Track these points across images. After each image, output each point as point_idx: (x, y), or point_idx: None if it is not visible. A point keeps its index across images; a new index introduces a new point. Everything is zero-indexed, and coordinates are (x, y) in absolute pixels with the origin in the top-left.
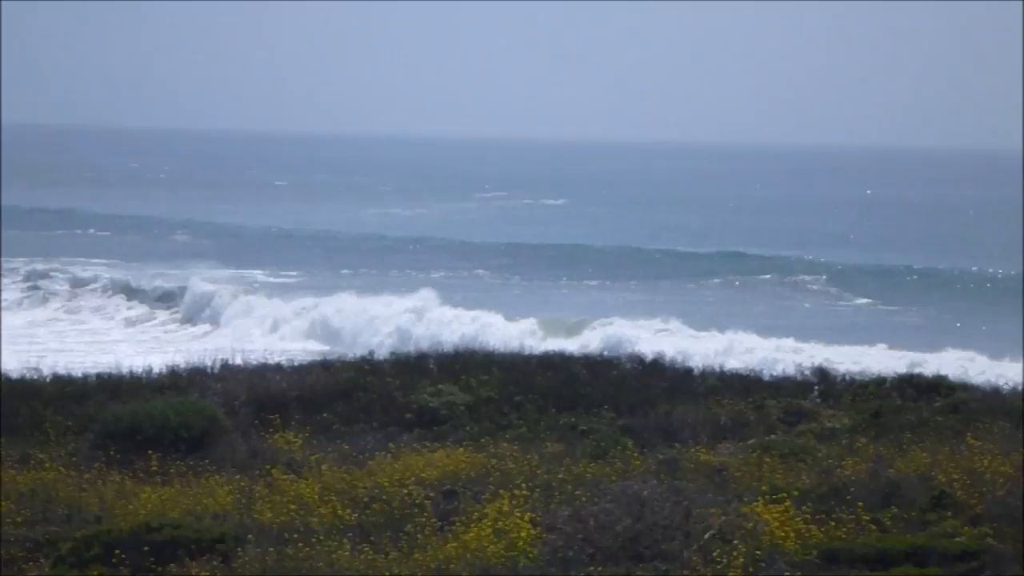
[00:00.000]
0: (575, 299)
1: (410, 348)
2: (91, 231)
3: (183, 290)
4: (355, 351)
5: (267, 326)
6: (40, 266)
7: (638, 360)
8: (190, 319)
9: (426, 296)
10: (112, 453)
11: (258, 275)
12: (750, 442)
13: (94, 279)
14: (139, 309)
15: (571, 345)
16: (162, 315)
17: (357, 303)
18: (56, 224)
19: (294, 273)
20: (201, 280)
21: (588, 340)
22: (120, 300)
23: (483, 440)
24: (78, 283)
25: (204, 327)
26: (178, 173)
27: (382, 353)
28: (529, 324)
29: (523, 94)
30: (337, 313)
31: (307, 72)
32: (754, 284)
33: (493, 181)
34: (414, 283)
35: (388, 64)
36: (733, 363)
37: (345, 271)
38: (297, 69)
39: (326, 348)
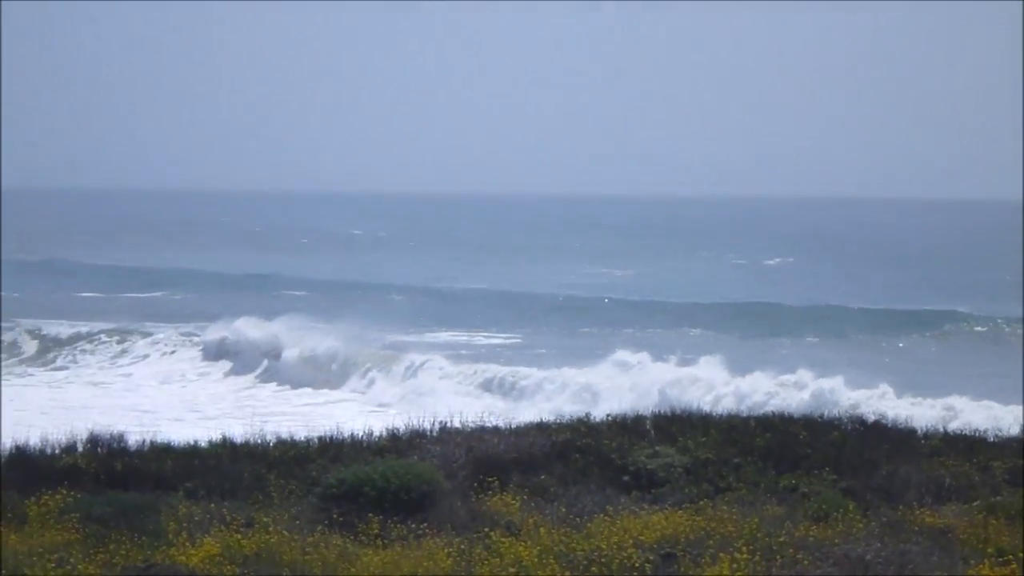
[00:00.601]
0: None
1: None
2: (301, 293)
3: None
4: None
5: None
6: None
7: (859, 420)
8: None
9: (618, 362)
10: (334, 516)
11: (480, 337)
12: (975, 503)
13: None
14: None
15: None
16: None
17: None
18: (262, 287)
19: (514, 335)
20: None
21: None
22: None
23: (702, 502)
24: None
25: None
26: (397, 236)
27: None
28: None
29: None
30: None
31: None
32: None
33: (703, 239)
34: (633, 343)
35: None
36: (956, 424)
37: (559, 331)
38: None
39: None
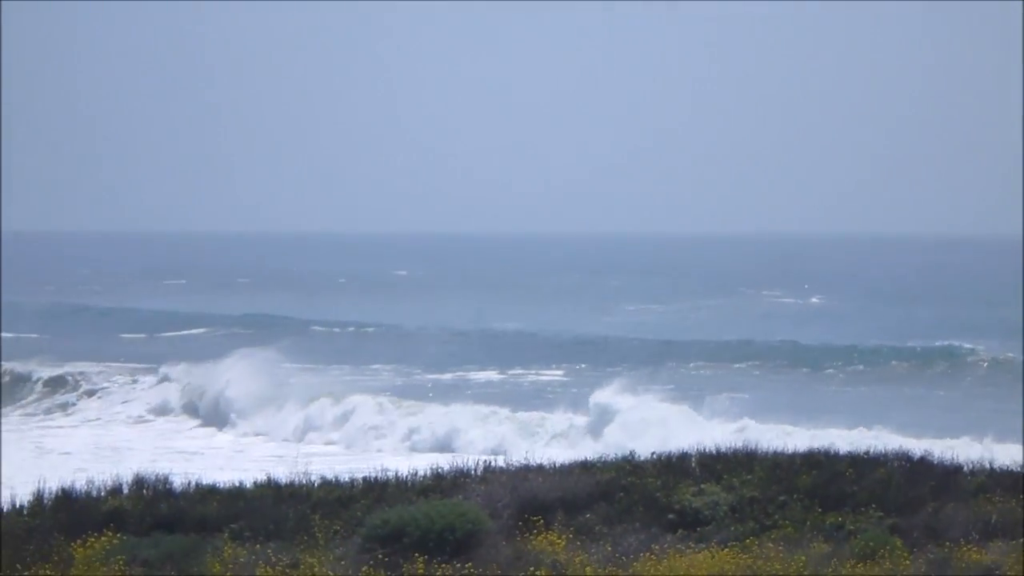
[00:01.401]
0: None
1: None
2: (337, 330)
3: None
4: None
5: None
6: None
7: (904, 457)
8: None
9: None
10: (379, 556)
11: (529, 375)
12: (1022, 540)
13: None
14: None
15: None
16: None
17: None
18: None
19: (556, 372)
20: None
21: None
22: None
23: (747, 541)
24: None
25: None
26: (435, 276)
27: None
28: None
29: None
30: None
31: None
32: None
33: (740, 277)
34: (666, 380)
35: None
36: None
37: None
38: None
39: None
